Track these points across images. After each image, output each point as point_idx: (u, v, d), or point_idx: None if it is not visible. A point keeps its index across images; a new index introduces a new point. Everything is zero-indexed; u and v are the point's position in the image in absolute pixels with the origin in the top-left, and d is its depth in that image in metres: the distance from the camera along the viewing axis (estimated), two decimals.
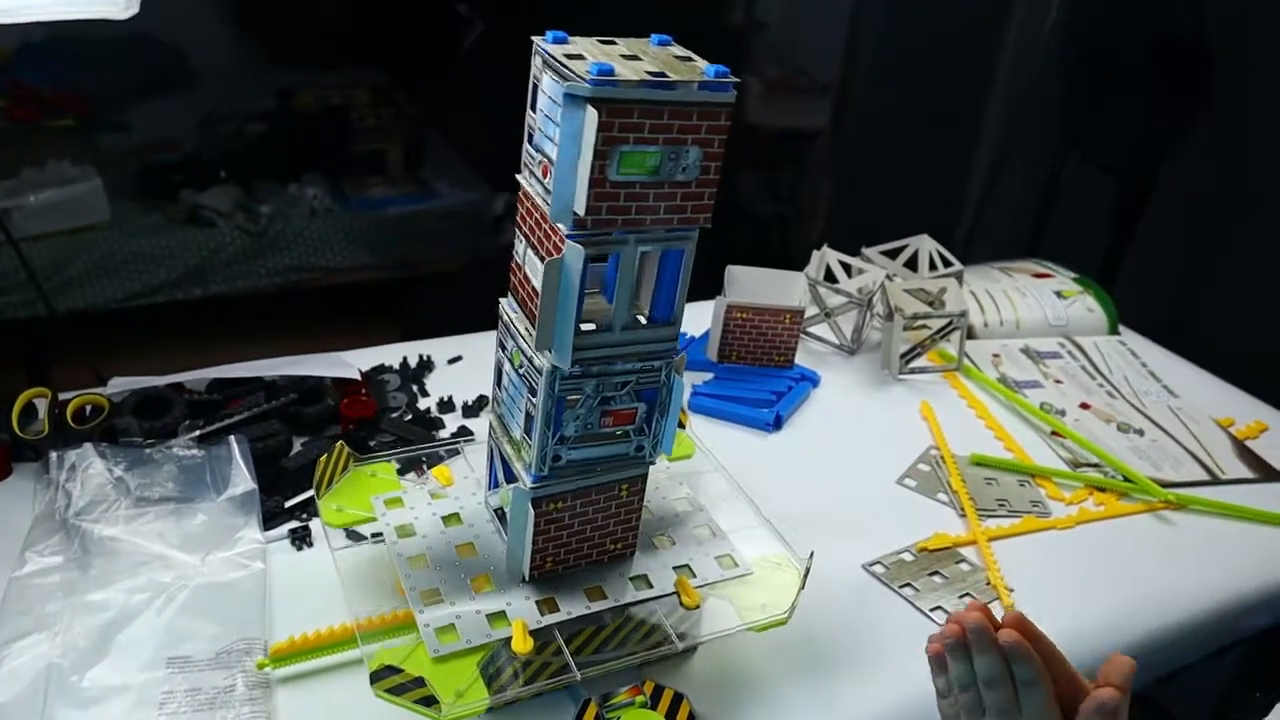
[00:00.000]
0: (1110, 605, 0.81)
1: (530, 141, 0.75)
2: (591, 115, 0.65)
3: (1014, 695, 0.73)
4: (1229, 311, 1.95)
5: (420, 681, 0.73)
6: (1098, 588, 0.87)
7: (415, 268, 2.76)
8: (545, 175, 0.72)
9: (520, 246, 0.79)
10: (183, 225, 2.54)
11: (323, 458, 0.92)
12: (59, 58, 2.45)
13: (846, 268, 1.50)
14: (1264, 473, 1.27)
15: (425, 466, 1.04)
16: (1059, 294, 1.63)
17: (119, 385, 1.14)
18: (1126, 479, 1.21)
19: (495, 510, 0.90)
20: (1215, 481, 1.24)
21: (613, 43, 0.73)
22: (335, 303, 2.68)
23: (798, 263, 1.47)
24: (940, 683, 0.77)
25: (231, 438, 1.06)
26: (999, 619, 0.73)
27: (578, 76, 0.65)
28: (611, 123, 0.65)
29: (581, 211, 0.68)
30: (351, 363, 1.24)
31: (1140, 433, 1.33)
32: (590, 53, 0.69)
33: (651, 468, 0.84)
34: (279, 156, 2.74)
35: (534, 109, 0.73)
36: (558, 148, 0.68)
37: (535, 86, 0.73)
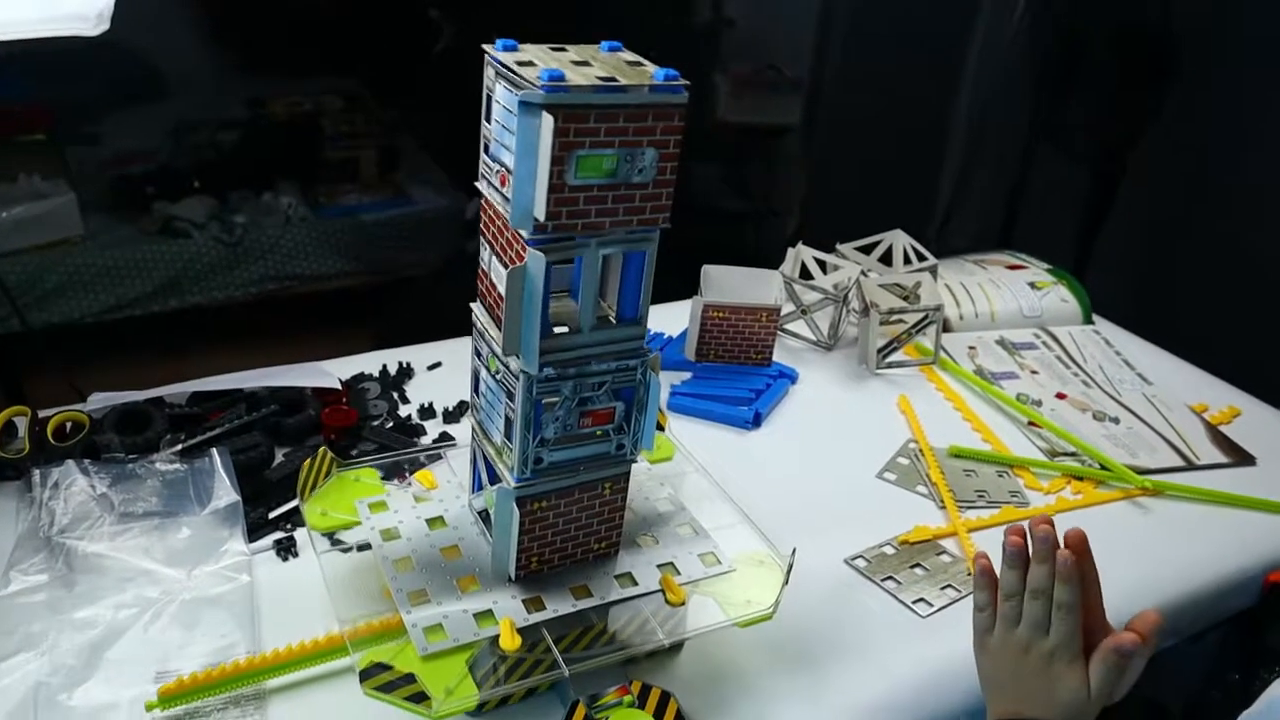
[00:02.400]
0: None
1: (487, 152, 0.75)
2: (548, 121, 0.65)
3: (1049, 613, 0.78)
4: (1200, 298, 1.97)
5: (410, 678, 0.73)
6: None
7: (391, 273, 2.75)
8: (504, 184, 0.72)
9: (485, 254, 0.79)
10: (157, 237, 2.50)
11: (306, 462, 0.92)
12: (27, 72, 2.43)
13: (821, 264, 1.51)
14: (1237, 457, 1.29)
15: (408, 473, 1.04)
16: (1033, 285, 1.65)
17: (99, 401, 1.13)
18: (1103, 467, 1.23)
19: (479, 512, 0.90)
20: (1190, 467, 1.26)
21: (563, 49, 0.73)
22: (312, 310, 2.66)
23: (773, 260, 1.48)
24: (981, 597, 0.82)
25: (213, 450, 1.06)
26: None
27: (530, 83, 0.66)
28: (568, 128, 0.66)
29: (542, 217, 0.69)
30: (331, 372, 1.24)
31: (1116, 420, 1.35)
32: (541, 59, 0.70)
33: (633, 469, 0.85)
34: (252, 165, 2.72)
35: (489, 119, 0.74)
36: (514, 155, 0.69)
37: (489, 97, 0.73)
